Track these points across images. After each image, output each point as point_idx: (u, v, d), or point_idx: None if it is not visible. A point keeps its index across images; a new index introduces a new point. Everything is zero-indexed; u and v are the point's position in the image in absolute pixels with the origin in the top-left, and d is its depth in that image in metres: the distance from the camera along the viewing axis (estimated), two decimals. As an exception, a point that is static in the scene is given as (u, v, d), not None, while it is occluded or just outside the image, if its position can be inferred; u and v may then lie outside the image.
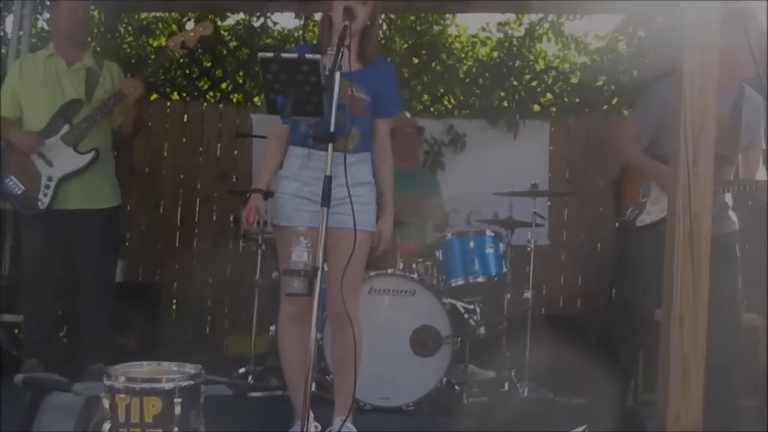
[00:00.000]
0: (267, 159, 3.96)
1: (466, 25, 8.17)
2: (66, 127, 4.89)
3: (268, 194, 3.96)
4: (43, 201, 4.86)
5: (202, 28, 4.99)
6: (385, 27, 7.73)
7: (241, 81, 8.07)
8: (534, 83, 7.87)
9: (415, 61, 7.88)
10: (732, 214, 4.16)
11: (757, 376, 5.22)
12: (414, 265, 5.36)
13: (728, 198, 4.13)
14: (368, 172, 3.91)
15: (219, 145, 7.79)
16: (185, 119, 7.84)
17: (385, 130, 3.99)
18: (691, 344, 3.05)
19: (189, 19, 7.90)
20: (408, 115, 6.43)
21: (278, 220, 3.82)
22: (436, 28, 7.98)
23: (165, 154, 7.82)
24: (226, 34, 8.11)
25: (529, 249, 5.45)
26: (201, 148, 7.79)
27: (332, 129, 3.30)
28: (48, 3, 5.83)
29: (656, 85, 4.58)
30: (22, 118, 4.99)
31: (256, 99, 7.82)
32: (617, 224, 4.41)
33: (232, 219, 6.77)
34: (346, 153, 3.57)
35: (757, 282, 6.23)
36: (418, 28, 7.95)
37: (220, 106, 7.97)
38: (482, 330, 5.34)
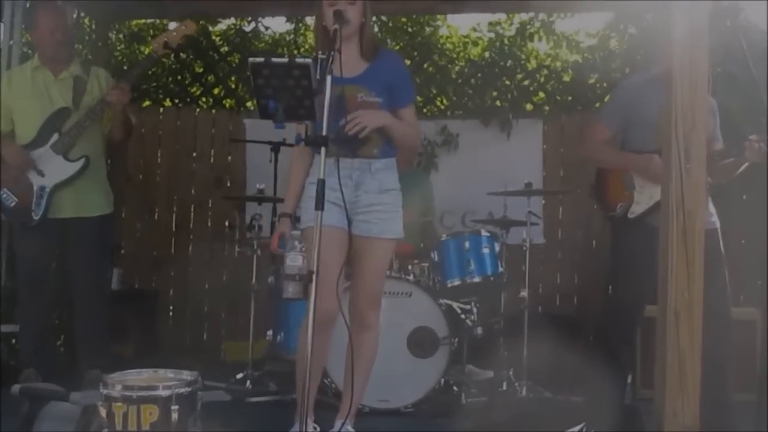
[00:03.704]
0: (292, 181, 3.96)
1: (457, 25, 8.18)
2: (55, 136, 4.89)
3: (295, 218, 3.96)
4: (37, 212, 4.85)
5: (185, 27, 4.94)
6: (376, 29, 7.73)
7: (233, 86, 8.08)
8: (526, 82, 7.87)
9: (408, 62, 7.86)
10: (712, 212, 4.18)
11: (754, 370, 5.23)
12: (410, 267, 5.37)
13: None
14: (394, 178, 3.88)
15: (212, 150, 7.79)
16: (178, 125, 7.84)
17: (412, 118, 3.91)
18: (687, 340, 3.06)
19: (180, 25, 7.89)
20: None
21: (306, 223, 3.79)
22: (427, 29, 7.99)
23: (159, 160, 7.81)
24: (217, 39, 8.12)
25: (524, 248, 5.45)
26: (194, 154, 7.79)
27: (324, 132, 3.30)
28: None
29: (619, 85, 4.65)
30: (14, 131, 4.99)
31: (249, 104, 7.83)
32: (609, 218, 4.43)
33: (227, 224, 6.76)
34: (372, 158, 3.60)
35: (754, 277, 6.26)
36: (410, 29, 7.96)
37: (213, 111, 7.98)
38: (479, 330, 5.34)
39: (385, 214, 3.75)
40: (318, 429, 3.83)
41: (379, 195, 3.71)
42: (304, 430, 3.24)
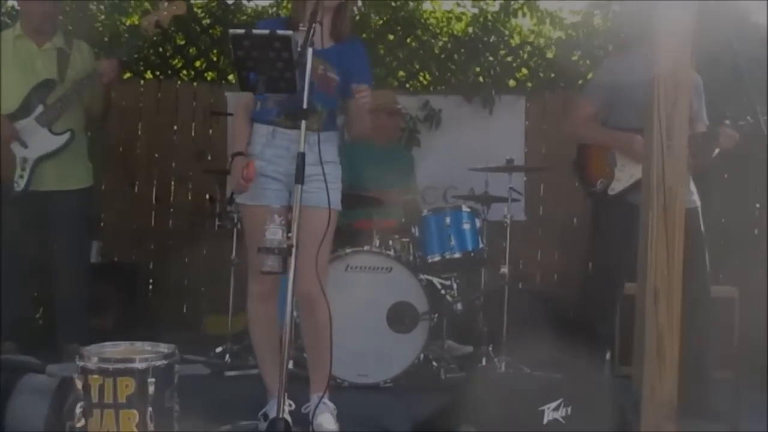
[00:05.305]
0: (239, 130, 3.92)
1: (441, 0, 8.13)
2: (40, 108, 4.85)
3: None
4: (19, 183, 4.82)
5: (176, 8, 4.92)
6: (360, 3, 7.67)
7: (215, 59, 7.99)
8: (509, 58, 7.84)
9: (390, 37, 7.82)
10: (693, 191, 4.21)
11: (731, 348, 5.26)
12: (390, 242, 5.35)
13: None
14: (334, 151, 3.89)
15: (194, 123, 7.73)
16: (159, 98, 7.77)
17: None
18: (666, 318, 3.07)
19: (161, -2, 7.81)
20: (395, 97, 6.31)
21: (243, 200, 3.81)
22: (411, 3, 7.92)
23: (139, 133, 7.73)
24: (199, 11, 8.03)
25: (505, 224, 5.43)
26: (175, 127, 7.72)
27: (305, 105, 3.27)
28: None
29: (604, 63, 4.66)
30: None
31: (230, 77, 7.75)
32: (590, 194, 4.45)
33: (207, 198, 6.72)
34: (311, 132, 3.56)
35: (733, 255, 6.29)
36: (393, 3, 7.89)
37: (195, 84, 7.89)
38: (459, 306, 5.35)
39: (324, 185, 3.67)
40: (293, 405, 3.79)
41: (318, 166, 3.64)
42: (281, 409, 3.19)
